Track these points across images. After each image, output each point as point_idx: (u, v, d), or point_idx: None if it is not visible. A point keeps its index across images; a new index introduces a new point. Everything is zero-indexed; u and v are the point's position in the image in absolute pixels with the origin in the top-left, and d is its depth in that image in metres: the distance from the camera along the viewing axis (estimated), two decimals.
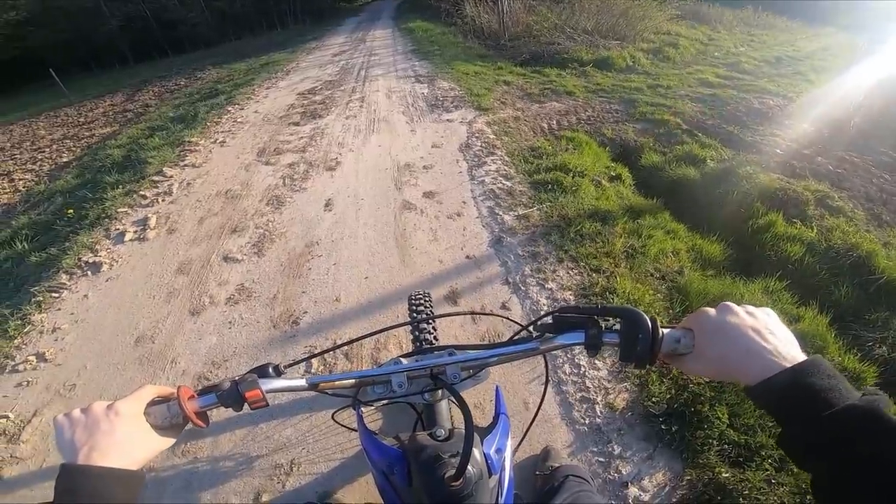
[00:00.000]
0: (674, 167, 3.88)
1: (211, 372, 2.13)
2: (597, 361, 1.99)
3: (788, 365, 0.45)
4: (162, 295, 2.65)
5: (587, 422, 1.74)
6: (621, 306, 0.57)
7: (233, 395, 0.57)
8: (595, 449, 1.64)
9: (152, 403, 0.56)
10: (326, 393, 0.66)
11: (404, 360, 0.68)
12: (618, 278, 2.39)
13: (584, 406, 1.79)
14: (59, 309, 2.67)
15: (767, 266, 2.77)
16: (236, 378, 0.59)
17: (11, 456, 1.92)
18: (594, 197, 3.19)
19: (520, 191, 3.28)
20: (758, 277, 2.61)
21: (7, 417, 2.08)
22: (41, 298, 2.76)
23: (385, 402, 0.71)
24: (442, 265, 2.63)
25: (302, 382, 0.63)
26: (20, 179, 6.13)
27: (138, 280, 2.81)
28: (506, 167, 3.63)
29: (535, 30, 9.23)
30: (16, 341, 2.49)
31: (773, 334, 0.50)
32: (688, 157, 4.05)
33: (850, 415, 0.40)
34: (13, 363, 2.35)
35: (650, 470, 1.58)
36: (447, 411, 0.94)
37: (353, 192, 3.51)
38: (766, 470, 1.52)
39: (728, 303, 0.55)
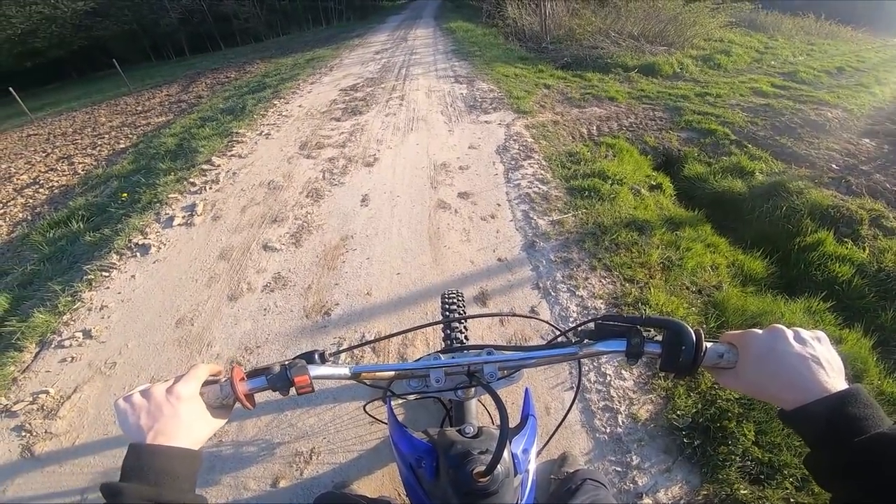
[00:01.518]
0: (719, 179, 3.74)
1: (244, 357, 2.20)
2: (623, 372, 1.97)
3: (827, 393, 0.46)
4: (204, 279, 2.76)
5: (608, 430, 1.72)
6: (665, 317, 0.58)
7: (282, 378, 0.58)
8: (613, 458, 1.64)
9: (206, 383, 0.57)
10: (364, 383, 0.68)
11: (443, 357, 0.69)
12: (652, 290, 2.34)
13: (607, 415, 1.78)
14: (108, 288, 2.80)
15: (812, 286, 2.65)
16: (286, 362, 0.60)
17: (46, 432, 1.97)
18: (632, 206, 3.12)
19: (556, 196, 3.24)
20: (801, 297, 2.50)
21: (48, 392, 2.15)
22: (92, 277, 2.89)
23: (418, 396, 0.72)
24: (473, 266, 2.64)
25: (345, 371, 0.65)
26: (80, 163, 6.57)
27: (183, 264, 2.93)
28: (542, 171, 3.60)
29: (578, 33, 9.07)
30: (64, 317, 2.60)
31: (819, 362, 0.49)
32: (735, 168, 3.89)
33: (880, 441, 0.41)
34: (59, 339, 2.45)
35: (667, 482, 1.56)
36: (476, 409, 0.95)
37: (390, 188, 3.57)
38: (787, 489, 1.49)
39: (778, 326, 0.54)
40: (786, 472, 1.54)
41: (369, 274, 2.64)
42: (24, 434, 1.96)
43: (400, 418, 1.84)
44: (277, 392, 0.59)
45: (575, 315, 2.24)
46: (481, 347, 0.72)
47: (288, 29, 22.71)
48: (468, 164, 3.83)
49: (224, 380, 0.59)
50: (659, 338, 0.59)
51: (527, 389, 0.84)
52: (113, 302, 2.68)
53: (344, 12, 24.66)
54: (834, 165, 4.09)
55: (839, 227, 3.07)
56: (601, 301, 2.34)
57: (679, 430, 1.69)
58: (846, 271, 2.72)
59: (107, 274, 2.93)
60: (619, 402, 1.81)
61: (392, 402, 0.84)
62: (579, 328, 0.67)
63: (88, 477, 1.78)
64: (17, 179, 6.49)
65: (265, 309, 2.48)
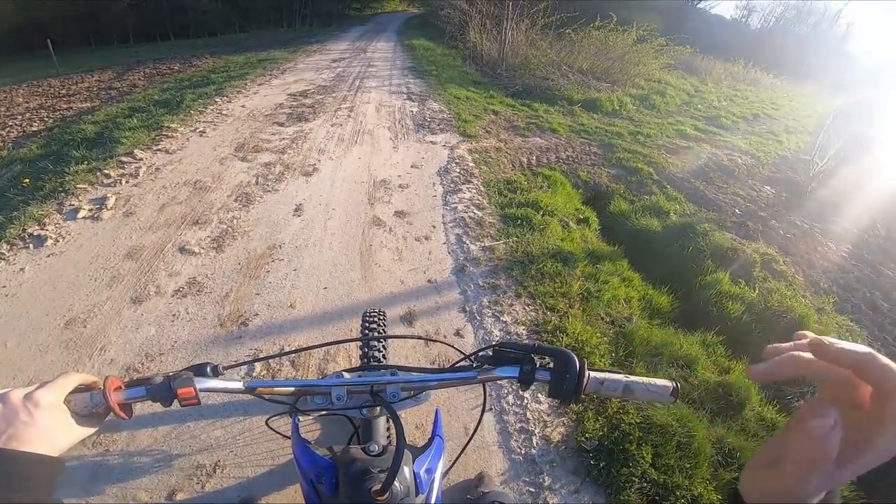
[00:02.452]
0: (639, 217, 4.03)
1: (143, 364, 2.06)
2: (539, 396, 2.04)
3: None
4: (105, 279, 2.55)
5: (523, 452, 1.78)
6: (555, 347, 0.62)
7: (164, 390, 0.57)
8: (527, 479, 1.69)
9: (75, 391, 0.55)
10: (263, 398, 0.67)
11: (347, 374, 0.70)
12: (570, 319, 2.46)
13: (522, 436, 1.84)
14: None
15: (708, 320, 2.91)
16: (171, 374, 0.59)
17: None
18: (560, 237, 3.28)
19: (489, 222, 3.34)
20: (698, 330, 2.75)
21: None
22: None
23: (323, 413, 0.72)
24: (403, 285, 2.65)
25: (239, 385, 0.63)
26: None
27: (82, 260, 2.69)
28: (480, 197, 3.71)
29: (533, 63, 9.53)
30: None
31: None
32: (653, 208, 4.22)
33: None
34: None
35: (575, 503, 1.63)
36: (384, 428, 0.96)
37: (326, 200, 3.50)
38: None
39: None
40: (678, 494, 1.66)
41: (294, 286, 2.56)
42: None
43: (313, 435, 1.79)
44: (159, 404, 0.57)
45: (498, 339, 2.30)
46: (388, 367, 0.73)
47: (247, 27, 21.90)
48: (408, 183, 3.86)
49: (97, 389, 0.56)
50: (552, 366, 0.62)
51: (437, 410, 0.86)
52: None
53: (308, 17, 24.24)
54: (737, 210, 4.57)
55: (735, 269, 3.42)
56: (524, 327, 2.43)
57: (587, 451, 1.79)
58: (738, 308, 3.02)
59: None
60: (535, 425, 1.88)
61: (298, 418, 0.83)
62: (481, 353, 0.69)
63: None
64: None
65: (174, 315, 2.32)
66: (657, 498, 1.65)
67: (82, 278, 2.55)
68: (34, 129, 6.30)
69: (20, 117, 7.16)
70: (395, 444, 0.65)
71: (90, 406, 0.54)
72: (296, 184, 3.73)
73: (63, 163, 4.04)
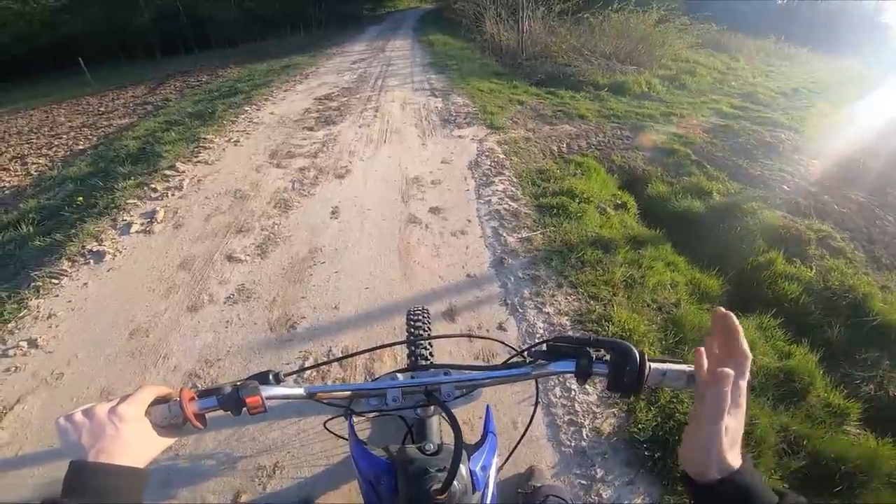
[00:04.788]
0: (680, 199, 3.89)
1: (203, 370, 2.14)
2: (587, 387, 2.01)
3: (733, 468, 0.47)
4: (162, 289, 2.67)
5: (573, 444, 1.76)
6: (613, 339, 0.60)
7: (233, 399, 0.58)
8: (578, 471, 1.67)
9: (153, 404, 0.57)
10: (322, 402, 0.69)
11: (400, 376, 0.70)
12: (615, 307, 2.41)
13: (572, 429, 1.81)
14: (58, 295, 2.67)
15: (764, 303, 2.79)
16: (238, 383, 0.60)
17: None
18: (598, 224, 3.21)
19: (525, 213, 3.30)
20: (753, 314, 2.63)
21: None
22: (40, 283, 2.76)
23: (377, 414, 0.73)
24: (442, 281, 2.66)
25: (300, 391, 0.65)
26: (34, 163, 6.23)
27: (140, 272, 2.82)
28: (513, 188, 3.67)
29: (553, 51, 9.32)
30: (9, 325, 2.47)
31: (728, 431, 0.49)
32: (694, 188, 4.06)
33: None
34: (3, 347, 2.33)
35: (630, 495, 1.60)
36: (437, 427, 0.96)
37: (361, 201, 3.55)
38: None
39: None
40: None
41: (337, 288, 2.61)
42: None
43: (366, 434, 1.83)
44: (229, 413, 0.59)
45: (542, 331, 2.28)
46: (440, 367, 0.73)
47: (265, 35, 22.37)
48: (440, 179, 3.86)
49: (173, 400, 0.58)
50: (608, 358, 0.61)
51: (488, 407, 0.85)
52: (62, 310, 2.55)
53: (323, 21, 24.52)
54: (785, 187, 4.34)
55: (789, 247, 3.24)
56: (567, 318, 2.39)
57: (640, 443, 1.74)
58: (795, 289, 2.87)
59: (56, 281, 2.78)
60: (584, 417, 1.85)
61: (354, 419, 0.84)
62: (534, 348, 0.68)
63: (31, 488, 1.72)
64: None
65: (227, 321, 2.41)
66: None
67: (141, 290, 2.67)
68: (80, 147, 6.66)
69: (65, 136, 7.58)
70: (450, 442, 0.65)
71: (169, 417, 0.57)
72: (330, 186, 3.80)
73: (112, 179, 4.24)
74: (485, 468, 0.67)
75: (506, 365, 0.71)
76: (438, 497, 0.55)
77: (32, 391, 2.09)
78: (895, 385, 2.34)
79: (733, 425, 0.48)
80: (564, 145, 4.74)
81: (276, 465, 1.72)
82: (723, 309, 0.53)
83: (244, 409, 0.59)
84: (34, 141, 7.66)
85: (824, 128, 6.26)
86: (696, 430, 0.49)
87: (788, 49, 14.30)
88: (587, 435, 1.78)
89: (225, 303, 2.54)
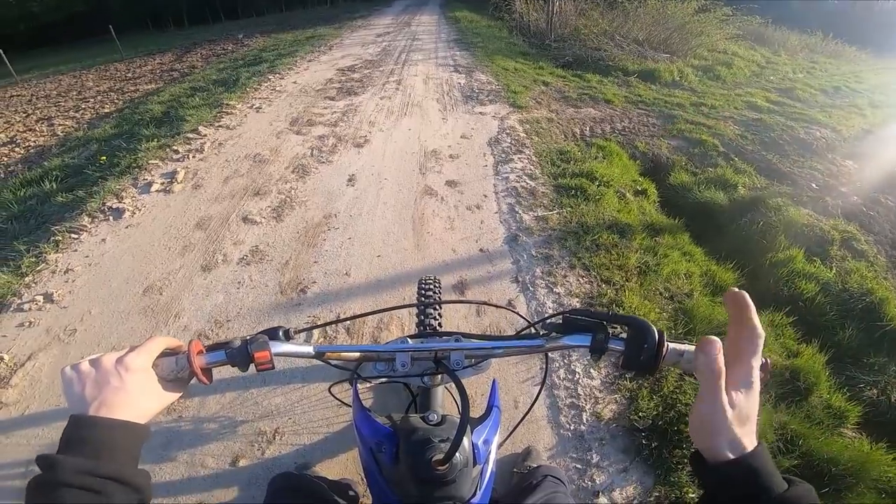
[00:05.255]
0: (703, 189, 3.78)
1: (212, 331, 2.15)
2: (591, 370, 1.99)
3: (748, 449, 0.46)
4: (177, 248, 2.70)
5: (572, 427, 1.75)
6: (631, 316, 0.58)
7: (242, 354, 0.57)
8: (574, 455, 1.66)
9: (161, 355, 0.55)
10: (328, 363, 0.67)
11: (410, 341, 0.68)
12: (627, 292, 2.37)
13: (572, 412, 1.80)
14: (76, 250, 2.70)
15: (778, 300, 2.72)
16: (247, 337, 0.59)
17: None
18: (616, 209, 3.15)
19: (542, 192, 3.25)
20: (766, 310, 2.57)
21: (1, 359, 2.05)
22: (60, 238, 2.79)
23: (384, 380, 0.71)
24: (455, 254, 2.64)
25: (309, 349, 0.63)
26: (60, 125, 6.36)
27: (157, 230, 2.86)
28: (532, 167, 3.60)
29: (584, 33, 9.04)
30: (27, 279, 2.49)
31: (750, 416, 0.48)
32: (719, 180, 3.94)
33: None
34: (19, 301, 2.35)
35: (623, 482, 1.59)
36: (442, 397, 0.95)
37: (378, 170, 3.54)
38: None
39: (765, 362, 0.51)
40: None
41: (350, 254, 2.62)
42: None
43: (368, 402, 1.85)
44: (237, 368, 0.58)
45: (551, 311, 2.25)
46: (450, 334, 0.71)
47: (292, 6, 22.22)
48: (459, 154, 3.81)
49: (181, 353, 0.57)
50: (624, 335, 0.59)
51: (494, 381, 0.84)
52: (79, 265, 2.58)
53: None
54: (814, 185, 4.17)
55: (810, 246, 3.14)
56: (577, 299, 2.36)
57: (639, 431, 1.73)
58: (811, 288, 2.80)
59: (76, 236, 2.83)
60: (585, 400, 1.84)
61: (359, 386, 0.84)
62: (548, 321, 0.66)
63: (35, 449, 1.71)
64: None
65: (239, 282, 2.44)
66: None
67: (157, 248, 2.71)
68: (106, 110, 6.77)
69: (92, 100, 7.71)
70: (454, 415, 0.65)
71: (175, 370, 0.55)
72: (348, 155, 3.79)
73: (135, 140, 4.30)
74: (487, 442, 0.66)
75: (518, 336, 0.69)
76: (439, 467, 0.54)
77: (45, 348, 2.09)
78: None
79: (744, 404, 0.47)
80: (587, 128, 4.62)
81: (276, 431, 1.72)
82: (735, 288, 0.51)
83: (252, 364, 0.57)
84: (62, 104, 7.81)
85: (863, 129, 5.98)
86: (701, 404, 0.48)
87: (835, 46, 13.57)
88: (587, 419, 1.77)
89: (238, 263, 2.56)
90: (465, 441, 0.60)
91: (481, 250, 2.66)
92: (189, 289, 2.39)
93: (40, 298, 2.35)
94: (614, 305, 2.29)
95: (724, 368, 0.47)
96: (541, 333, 0.66)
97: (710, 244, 3.12)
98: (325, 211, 3.01)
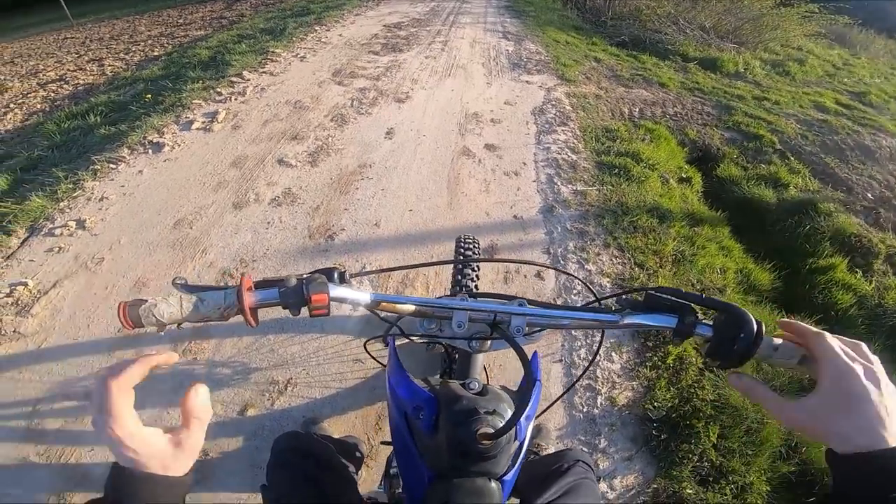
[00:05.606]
0: (751, 185, 3.59)
1: (237, 269, 2.15)
2: (613, 354, 1.94)
3: (890, 444, 0.42)
4: (212, 184, 2.72)
5: (585, 410, 1.72)
6: (728, 302, 0.53)
7: (297, 294, 0.51)
8: (583, 437, 1.64)
9: (207, 289, 0.50)
10: (377, 315, 0.62)
11: (469, 300, 0.62)
12: (659, 279, 2.29)
13: (588, 394, 1.77)
14: (112, 180, 2.74)
15: (811, 307, 2.61)
16: (303, 276, 0.53)
17: (14, 331, 1.85)
18: (658, 193, 3.01)
19: (584, 167, 3.13)
20: (797, 316, 2.46)
21: (26, 285, 2.02)
22: (99, 167, 2.83)
23: (428, 339, 0.66)
24: (488, 217, 2.59)
25: (365, 296, 0.57)
26: (110, 66, 6.49)
27: (194, 166, 2.88)
28: (575, 140, 3.47)
29: (644, 14, 8.55)
30: (61, 204, 2.52)
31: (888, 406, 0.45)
32: (770, 178, 3.73)
33: None
34: (51, 226, 2.37)
35: (625, 471, 1.58)
36: (482, 364, 0.88)
37: (417, 127, 3.48)
38: (726, 495, 1.52)
39: (864, 349, 0.49)
40: (730, 478, 1.56)
41: (381, 205, 2.60)
42: None
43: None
44: (287, 311, 0.52)
45: (578, 289, 2.18)
46: (510, 298, 0.64)
47: None
48: (500, 119, 3.70)
49: (230, 287, 0.50)
50: (708, 321, 0.55)
51: (535, 352, 0.79)
52: (114, 194, 2.62)
53: None
54: (869, 195, 3.91)
55: (855, 257, 2.99)
56: (608, 279, 2.29)
57: (651, 421, 1.69)
58: (847, 300, 2.68)
59: (114, 166, 2.88)
60: (602, 384, 1.80)
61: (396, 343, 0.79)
62: (625, 296, 0.62)
63: (45, 387, 1.68)
64: (44, 75, 6.47)
65: (269, 222, 2.45)
66: (709, 479, 1.57)
67: (192, 183, 2.74)
68: (155, 53, 6.87)
69: (143, 44, 7.84)
70: (493, 384, 0.60)
71: (222, 307, 0.50)
72: (388, 109, 3.73)
73: (181, 82, 4.36)
74: (528, 418, 0.61)
75: (590, 308, 0.62)
76: (485, 442, 0.50)
77: (71, 275, 2.09)
78: None
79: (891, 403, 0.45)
80: (637, 109, 4.40)
81: (288, 382, 1.70)
82: (785, 319, 0.53)
83: (306, 307, 0.51)
84: (113, 47, 7.97)
85: None
86: (825, 394, 0.47)
87: None
88: (601, 403, 1.74)
89: (270, 204, 2.58)
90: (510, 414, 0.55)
91: (515, 217, 2.60)
92: (219, 225, 2.41)
93: (72, 224, 2.38)
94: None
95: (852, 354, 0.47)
96: (613, 308, 0.61)
97: (749, 241, 3.00)
98: (361, 161, 2.98)
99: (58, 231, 2.34)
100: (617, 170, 3.10)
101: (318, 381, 1.72)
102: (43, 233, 2.34)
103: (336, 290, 0.53)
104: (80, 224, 2.38)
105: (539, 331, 0.64)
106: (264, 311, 0.54)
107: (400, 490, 0.70)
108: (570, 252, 2.39)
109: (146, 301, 0.49)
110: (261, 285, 0.52)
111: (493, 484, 0.55)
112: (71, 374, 1.72)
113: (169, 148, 3.07)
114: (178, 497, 0.47)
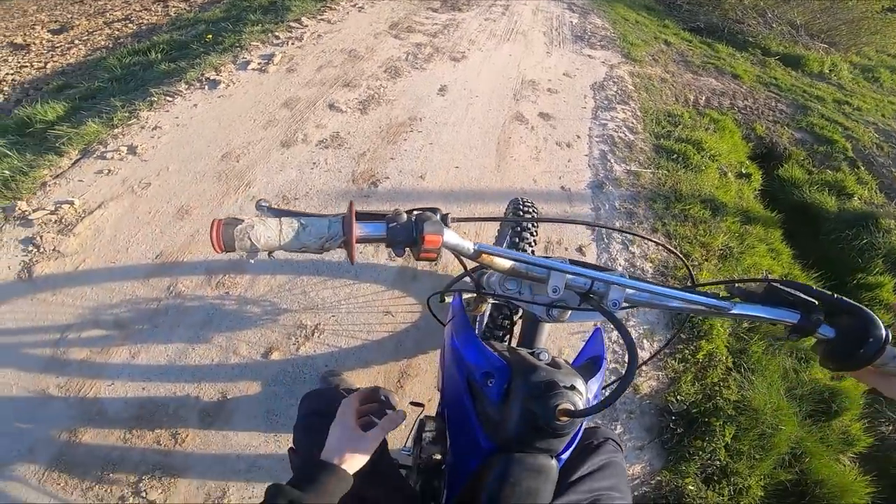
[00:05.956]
0: (813, 190, 3.37)
1: (277, 205, 2.11)
2: (644, 342, 1.89)
3: None
4: (262, 121, 2.74)
5: (607, 393, 1.67)
6: (859, 305, 0.50)
7: (407, 232, 0.47)
8: (600, 421, 1.62)
9: (305, 215, 0.47)
10: (470, 270, 0.61)
11: (569, 263, 0.57)
12: (703, 273, 2.20)
13: (612, 378, 1.72)
14: (167, 111, 2.78)
15: None
16: (414, 213, 0.49)
17: (54, 250, 1.83)
18: (715, 185, 2.87)
19: (640, 148, 3.00)
20: None
21: (72, 203, 2.02)
22: (155, 99, 2.87)
23: (503, 300, 0.64)
24: (535, 185, 2.53)
25: (469, 245, 0.53)
26: (174, 7, 6.52)
27: (247, 103, 2.91)
28: (634, 120, 3.31)
29: (729, 2, 7.95)
30: (115, 130, 2.56)
31: None
32: (835, 185, 3.49)
33: None
34: (104, 150, 2.41)
35: (634, 459, 1.56)
36: (547, 335, 0.84)
37: (471, 87, 3.40)
38: (724, 496, 1.53)
39: None
40: (731, 479, 1.55)
41: (428, 159, 2.56)
42: (30, 250, 1.84)
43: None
44: (391, 249, 0.47)
45: (621, 268, 2.11)
46: (607, 269, 0.59)
47: None
48: (557, 89, 3.57)
49: (334, 216, 0.47)
50: (839, 323, 0.52)
51: (598, 328, 0.74)
52: (168, 125, 2.66)
53: None
54: None
55: None
56: (651, 265, 2.21)
57: (670, 413, 1.67)
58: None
59: (170, 99, 2.92)
60: None
61: (462, 301, 0.74)
62: (738, 284, 0.58)
63: (77, 312, 1.65)
64: (110, 15, 6.58)
65: (314, 163, 2.46)
66: (713, 478, 1.57)
67: (243, 119, 2.76)
68: None
69: None
70: (559, 357, 0.57)
71: (325, 236, 0.46)
72: (443, 66, 3.65)
73: (241, 24, 4.36)
74: (596, 397, 0.59)
75: (701, 292, 0.58)
76: (562, 418, 0.46)
77: (117, 197, 2.11)
78: None
79: None
80: (703, 98, 4.14)
81: (316, 327, 1.66)
82: None
83: (416, 248, 0.47)
84: None
85: None
86: None
87: None
88: None
89: (317, 145, 2.58)
90: (584, 391, 0.52)
91: (562, 188, 2.53)
92: (265, 161, 2.43)
93: (124, 149, 2.42)
94: (685, 282, 2.12)
95: None
96: (721, 296, 0.57)
97: (800, 247, 2.86)
98: (411, 113, 2.94)
99: (109, 155, 2.38)
100: (675, 155, 2.95)
101: (345, 329, 1.69)
102: (95, 156, 2.39)
103: (448, 234, 0.49)
104: (132, 150, 2.43)
105: (628, 308, 0.60)
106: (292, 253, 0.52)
107: (437, 455, 0.67)
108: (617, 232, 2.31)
109: (241, 221, 0.45)
110: (363, 217, 0.47)
111: (553, 462, 0.52)
112: (104, 300, 1.70)
113: (224, 85, 3.11)
114: (342, 490, 0.56)
